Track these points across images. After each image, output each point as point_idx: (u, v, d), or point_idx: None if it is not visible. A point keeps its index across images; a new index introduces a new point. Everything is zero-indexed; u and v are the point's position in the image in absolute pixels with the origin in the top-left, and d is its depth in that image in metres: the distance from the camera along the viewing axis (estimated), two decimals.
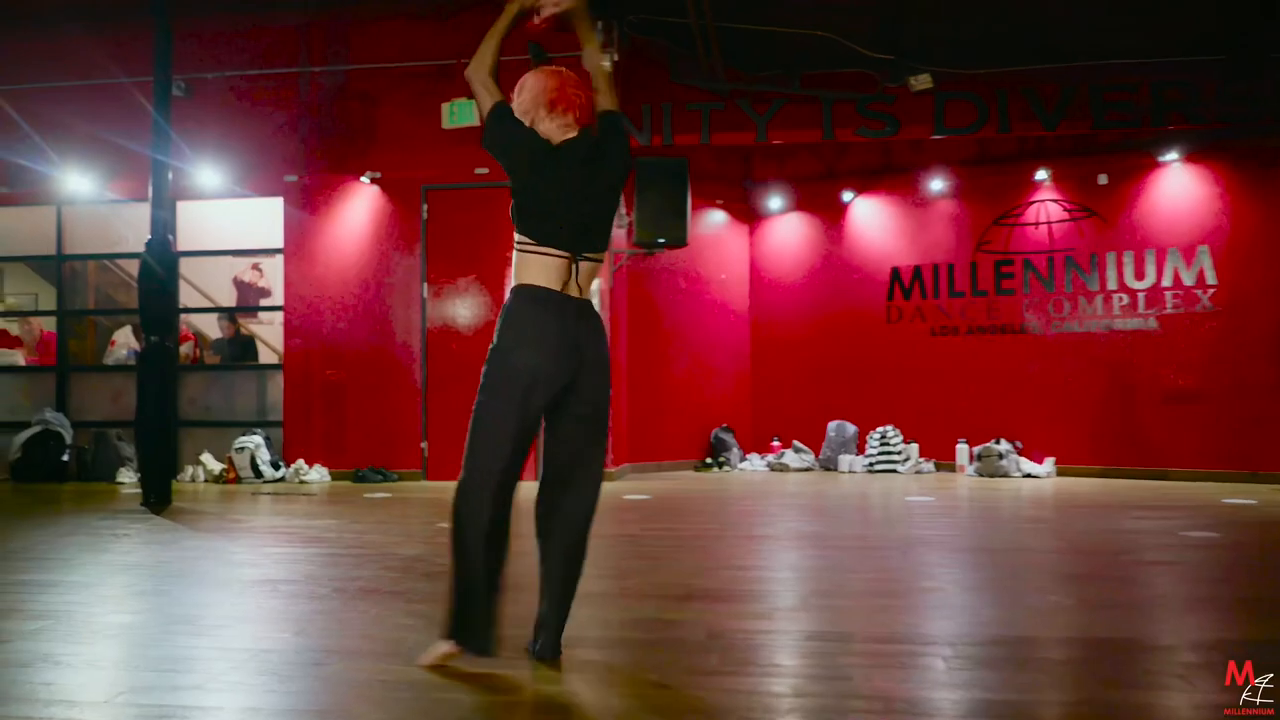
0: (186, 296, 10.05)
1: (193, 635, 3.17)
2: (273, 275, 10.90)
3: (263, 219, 9.46)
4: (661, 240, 8.69)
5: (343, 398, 9.04)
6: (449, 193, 8.92)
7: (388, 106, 8.96)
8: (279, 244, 9.33)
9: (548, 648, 2.77)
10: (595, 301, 2.88)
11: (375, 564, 4.49)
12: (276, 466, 8.98)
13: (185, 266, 9.83)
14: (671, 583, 4.04)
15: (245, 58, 9.09)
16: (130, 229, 9.46)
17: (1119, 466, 8.85)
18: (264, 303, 10.64)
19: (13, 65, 9.25)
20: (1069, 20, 7.70)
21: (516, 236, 2.74)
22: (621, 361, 9.23)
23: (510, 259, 2.83)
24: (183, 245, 8.97)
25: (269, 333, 10.39)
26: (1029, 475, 9.04)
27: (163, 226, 7.14)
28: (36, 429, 9.15)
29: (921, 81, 8.57)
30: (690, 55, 9.00)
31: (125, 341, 9.86)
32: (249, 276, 11.05)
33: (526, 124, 2.79)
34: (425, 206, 8.95)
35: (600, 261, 2.81)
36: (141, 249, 9.60)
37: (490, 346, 2.72)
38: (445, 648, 2.72)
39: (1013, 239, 9.41)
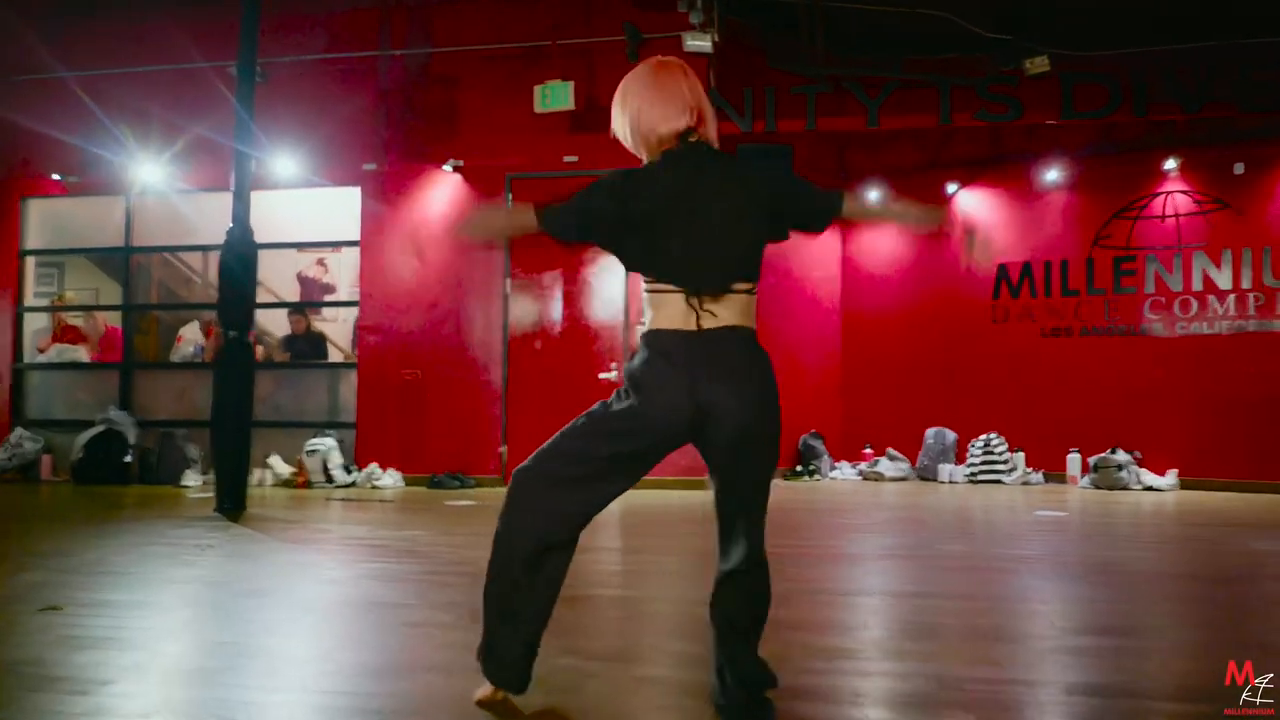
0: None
1: (349, 683, 2.67)
2: (337, 271, 10.51)
3: (334, 210, 9.04)
4: None
5: (419, 398, 8.58)
6: (535, 181, 8.43)
7: (471, 91, 8.50)
8: (351, 236, 8.90)
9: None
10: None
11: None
12: (348, 471, 8.54)
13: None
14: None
15: (322, 42, 8.69)
16: (204, 220, 9.08)
17: (1248, 480, 8.15)
18: (328, 299, 10.24)
19: (88, 50, 8.92)
20: None
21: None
22: None
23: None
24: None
25: (334, 330, 9.97)
26: (1150, 488, 8.39)
27: (244, 218, 6.71)
28: (100, 428, 8.79)
29: (1038, 65, 7.95)
30: (788, 38, 8.46)
31: (192, 338, 9.48)
32: (313, 272, 10.65)
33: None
34: (510, 196, 8.47)
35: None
36: (212, 241, 9.30)
37: None
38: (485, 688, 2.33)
39: (1135, 233, 8.74)
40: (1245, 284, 8.34)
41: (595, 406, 2.31)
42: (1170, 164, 8.53)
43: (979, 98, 7.99)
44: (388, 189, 8.71)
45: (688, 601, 3.66)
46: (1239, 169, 8.24)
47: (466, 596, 3.83)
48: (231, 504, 6.51)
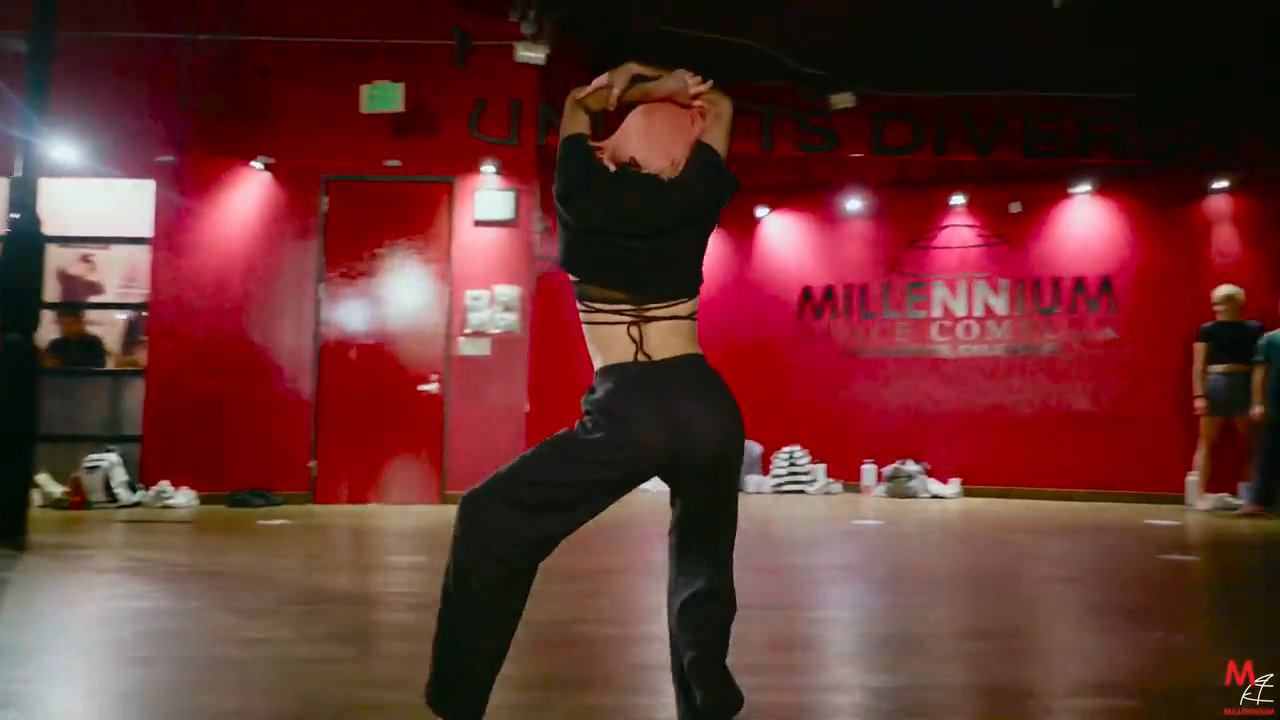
0: None
1: None
2: (106, 268, 9.57)
3: (121, 203, 8.24)
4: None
5: (217, 410, 7.95)
6: (354, 184, 8.06)
7: (289, 85, 8.00)
8: (142, 232, 8.14)
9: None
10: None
11: (406, 610, 3.75)
12: (134, 489, 7.78)
13: None
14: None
15: (114, 16, 7.88)
16: None
17: (1020, 486, 9.03)
18: (93, 299, 9.30)
19: None
20: (1002, 50, 7.77)
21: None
22: (534, 375, 8.62)
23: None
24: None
25: (104, 334, 9.04)
26: (936, 496, 9.10)
27: (31, 207, 5.98)
28: None
29: (843, 100, 8.47)
30: (617, 57, 8.54)
31: None
32: (77, 269, 9.63)
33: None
34: (325, 199, 8.04)
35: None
36: None
37: None
38: None
39: (926, 262, 9.49)
40: (1019, 311, 9.25)
41: (561, 433, 2.24)
42: (958, 199, 9.33)
43: (799, 129, 8.40)
44: (186, 183, 8.03)
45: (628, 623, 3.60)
46: (1015, 207, 9.15)
47: (346, 627, 3.58)
48: (12, 530, 5.75)
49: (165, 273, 8.05)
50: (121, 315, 9.24)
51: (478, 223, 8.12)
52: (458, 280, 8.10)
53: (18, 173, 6.04)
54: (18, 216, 5.96)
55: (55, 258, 9.14)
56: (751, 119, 8.43)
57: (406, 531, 6.65)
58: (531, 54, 7.82)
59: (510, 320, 8.11)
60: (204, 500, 7.80)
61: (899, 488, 9.15)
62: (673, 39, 8.22)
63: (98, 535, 6.21)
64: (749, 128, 8.43)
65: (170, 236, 8.04)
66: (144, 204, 8.07)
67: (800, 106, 8.49)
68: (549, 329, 8.94)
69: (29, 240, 6.00)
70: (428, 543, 5.94)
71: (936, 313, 9.47)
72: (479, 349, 8.06)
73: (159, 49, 7.96)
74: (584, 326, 2.27)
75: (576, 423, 2.23)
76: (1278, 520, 7.52)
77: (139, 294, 8.96)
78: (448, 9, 8.01)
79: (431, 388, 8.02)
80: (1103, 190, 8.96)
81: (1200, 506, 8.11)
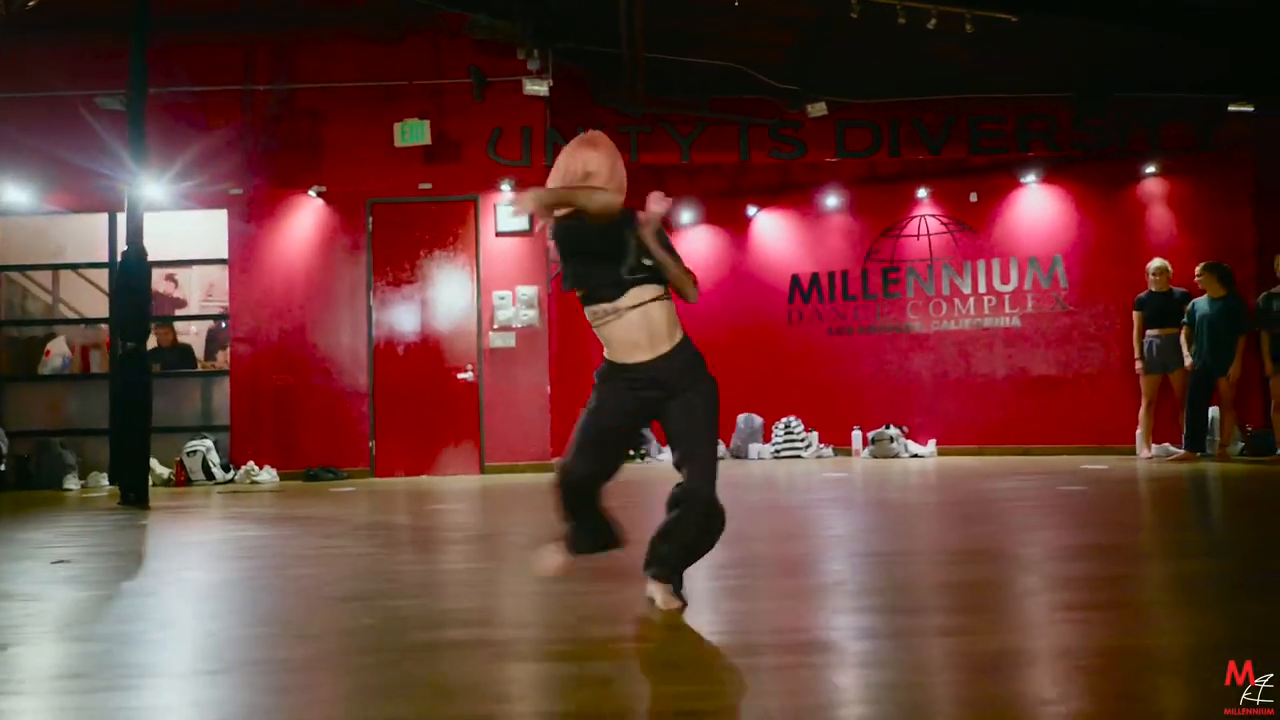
0: (98, 306, 10.23)
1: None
2: (188, 286, 11.20)
3: (201, 230, 9.78)
4: None
5: (291, 401, 9.47)
6: (394, 206, 9.51)
7: (335, 124, 9.48)
8: (209, 254, 9.70)
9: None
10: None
11: (442, 531, 5.15)
12: (226, 469, 9.33)
13: (100, 278, 10.06)
14: None
15: (190, 74, 9.42)
16: (70, 240, 9.63)
17: (990, 445, 10.20)
18: (178, 313, 10.93)
19: None
20: (948, 59, 8.94)
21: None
22: (554, 362, 9.99)
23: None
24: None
25: (190, 341, 10.64)
26: (915, 455, 10.30)
27: (137, 240, 7.49)
28: None
29: (817, 109, 9.71)
30: (611, 81, 9.87)
31: (60, 351, 9.96)
32: (164, 288, 11.26)
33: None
34: (370, 219, 9.51)
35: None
36: (76, 259, 9.85)
37: None
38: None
39: (898, 249, 10.69)
40: (981, 289, 10.41)
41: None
42: (922, 193, 10.54)
43: (770, 139, 9.68)
44: (254, 212, 9.55)
45: None
46: (973, 197, 10.34)
47: (394, 540, 4.97)
48: (137, 498, 7.29)
49: (241, 288, 9.58)
50: (204, 325, 10.86)
51: (499, 233, 9.54)
52: (485, 283, 9.52)
53: (124, 209, 7.55)
54: (127, 248, 7.49)
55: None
56: (731, 130, 9.71)
57: (449, 493, 8.08)
58: (537, 87, 9.20)
59: (531, 316, 9.50)
60: (283, 477, 9.33)
61: (882, 449, 10.36)
62: (657, 62, 9.53)
63: (204, 500, 7.73)
64: (728, 139, 9.72)
65: (243, 257, 9.57)
66: (219, 230, 9.61)
67: (778, 118, 9.74)
68: (565, 321, 10.34)
69: (138, 267, 7.52)
70: (464, 499, 7.36)
71: (910, 294, 10.66)
72: (506, 341, 9.47)
73: (225, 99, 9.48)
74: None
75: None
76: (1202, 461, 8.65)
77: (218, 306, 10.57)
78: (465, 52, 9.40)
79: (468, 376, 9.45)
80: (1048, 179, 10.10)
81: (1144, 455, 9.18)
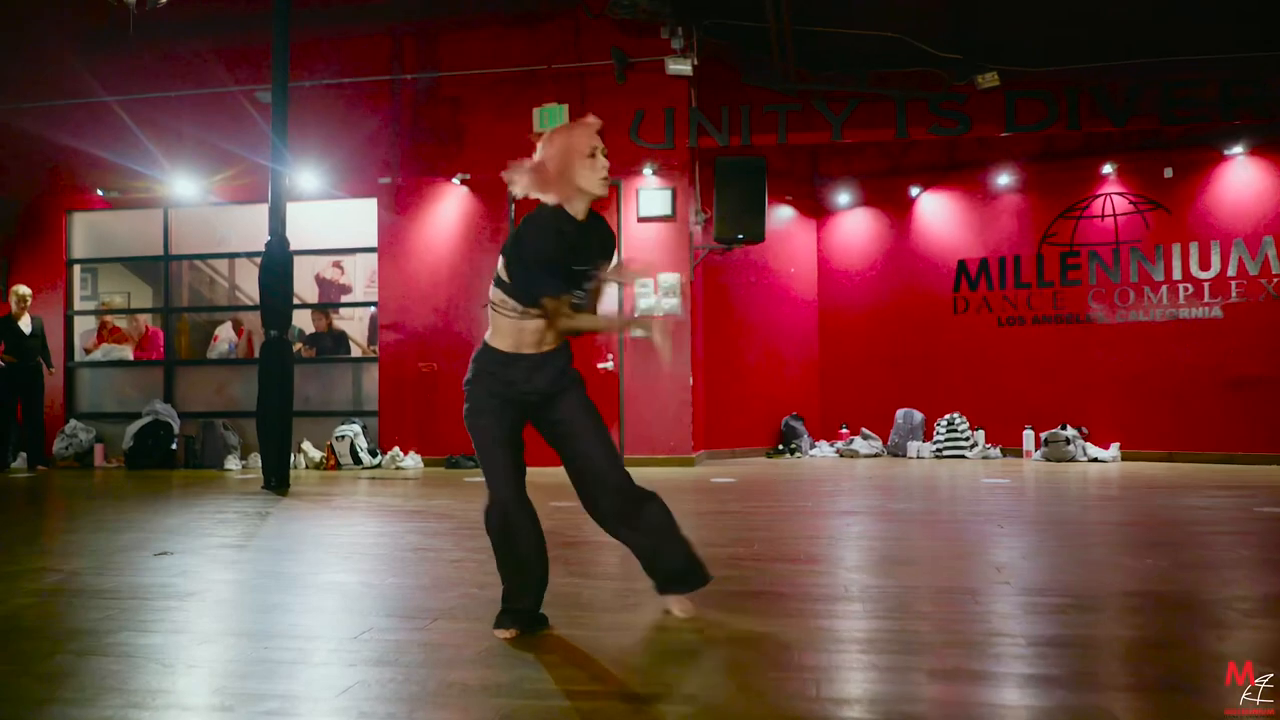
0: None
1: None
2: (353, 273, 11.45)
3: (353, 219, 9.95)
4: (740, 236, 9.05)
5: (434, 388, 9.52)
6: None
7: (476, 111, 9.42)
8: (367, 243, 9.82)
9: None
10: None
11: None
12: (374, 454, 9.49)
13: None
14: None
15: (338, 66, 9.59)
16: (233, 230, 10.02)
17: (1184, 450, 9.11)
18: (344, 299, 11.18)
19: (127, 77, 9.83)
20: (1134, 19, 7.96)
21: None
22: (699, 352, 9.62)
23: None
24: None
25: (351, 327, 10.90)
26: (1095, 460, 9.32)
27: (280, 231, 7.63)
28: (147, 419, 9.73)
29: (988, 80, 8.87)
30: (761, 57, 9.37)
31: (227, 336, 10.42)
32: (330, 274, 11.58)
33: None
34: (513, 207, 9.41)
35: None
36: (241, 249, 10.23)
37: None
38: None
39: (1078, 231, 9.69)
40: (1176, 275, 9.29)
41: None
42: (1108, 169, 9.48)
43: (931, 113, 8.91)
44: (402, 200, 9.63)
45: None
46: (1168, 173, 9.20)
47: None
48: (278, 482, 7.45)
49: (389, 275, 9.70)
50: (366, 311, 11.08)
51: (641, 219, 9.23)
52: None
53: (268, 200, 7.71)
54: (271, 238, 7.63)
55: (313, 264, 11.14)
56: (888, 106, 9.00)
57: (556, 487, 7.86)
58: (680, 66, 8.83)
59: (673, 304, 9.16)
60: (427, 463, 9.40)
61: (1057, 451, 9.45)
62: (810, 35, 8.96)
63: (343, 486, 7.83)
64: (883, 116, 9.02)
65: (391, 245, 9.67)
66: (370, 218, 9.75)
67: (943, 90, 8.96)
68: (710, 311, 9.95)
69: (281, 256, 7.66)
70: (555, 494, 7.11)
71: (1093, 281, 9.64)
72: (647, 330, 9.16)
73: (373, 89, 9.58)
74: None
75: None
76: None
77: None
78: (607, 33, 9.13)
79: (608, 365, 9.22)
80: (1257, 151, 8.86)
81: None
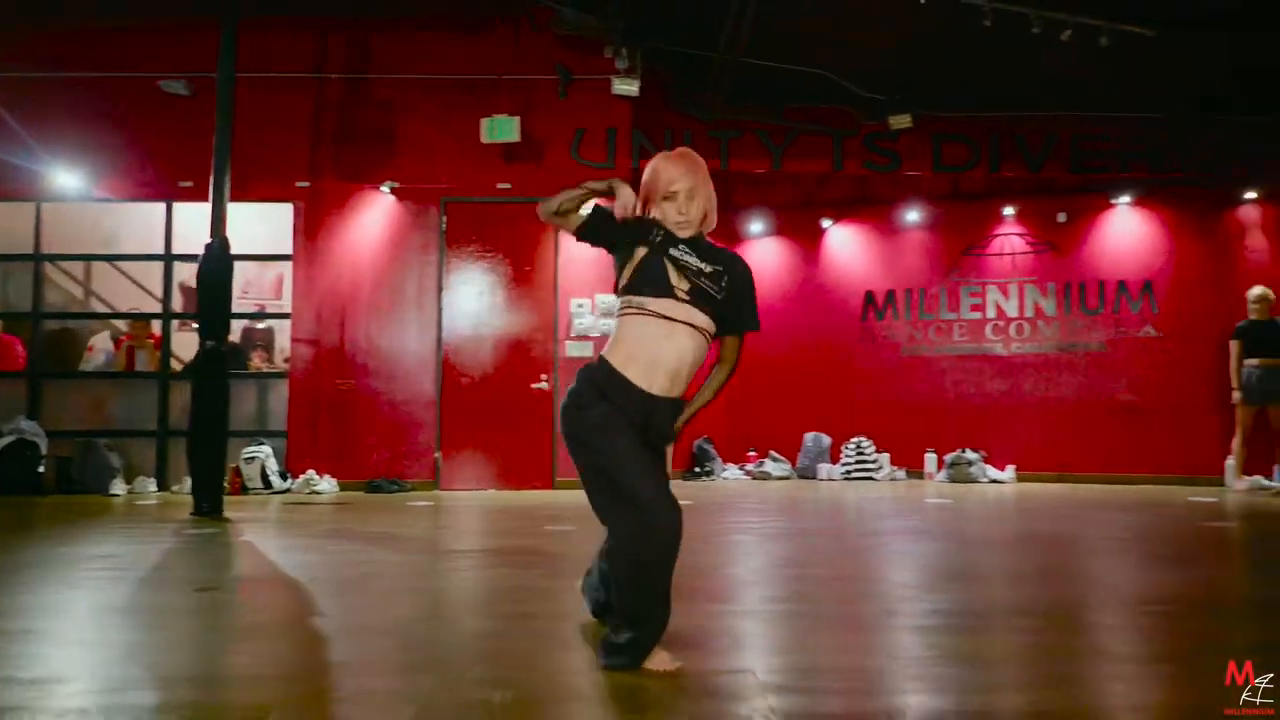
0: (139, 299, 9.69)
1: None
2: (259, 282, 10.62)
3: (265, 225, 9.26)
4: None
5: (352, 407, 8.97)
6: (469, 205, 9.05)
7: (410, 117, 9.02)
8: (284, 250, 9.16)
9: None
10: None
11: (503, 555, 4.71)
12: (284, 477, 8.81)
13: (136, 270, 9.57)
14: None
15: (256, 60, 8.90)
16: (125, 229, 9.08)
17: (1072, 472, 9.86)
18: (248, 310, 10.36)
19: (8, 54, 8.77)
20: (1051, 73, 8.62)
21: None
22: None
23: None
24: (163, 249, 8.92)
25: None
26: (994, 480, 9.94)
27: (221, 232, 7.00)
28: (10, 439, 8.60)
29: (900, 121, 9.33)
30: (691, 84, 9.46)
31: (103, 347, 9.41)
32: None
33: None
34: (444, 218, 9.05)
35: None
36: (126, 251, 9.33)
37: None
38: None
39: (980, 267, 10.36)
40: (1066, 311, 10.10)
41: None
42: (1009, 210, 10.22)
43: (865, 149, 9.31)
44: (322, 206, 9.06)
45: None
46: (1062, 217, 10.03)
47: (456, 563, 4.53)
48: (210, 507, 6.76)
49: (304, 286, 9.07)
50: (269, 324, 10.21)
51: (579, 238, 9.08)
52: (563, 289, 9.08)
53: (208, 201, 7.05)
54: (212, 240, 6.98)
55: (190, 272, 10.21)
56: (824, 140, 9.34)
57: (541, 509, 7.60)
58: (627, 87, 8.79)
59: (610, 325, 9.05)
60: (343, 487, 8.81)
61: (960, 473, 9.99)
62: (748, 68, 9.15)
63: (274, 512, 7.21)
64: (820, 148, 9.35)
65: (309, 254, 9.06)
66: (285, 225, 9.09)
67: (856, 129, 9.38)
68: None
69: (221, 261, 7.02)
70: (572, 519, 6.89)
71: (990, 314, 10.33)
72: (584, 350, 9.01)
73: (292, 86, 8.98)
74: None
75: None
76: None
77: (268, 305, 10.04)
78: (548, 47, 8.98)
79: (543, 385, 8.99)
80: (1141, 201, 9.81)
81: (1237, 488, 8.89)
